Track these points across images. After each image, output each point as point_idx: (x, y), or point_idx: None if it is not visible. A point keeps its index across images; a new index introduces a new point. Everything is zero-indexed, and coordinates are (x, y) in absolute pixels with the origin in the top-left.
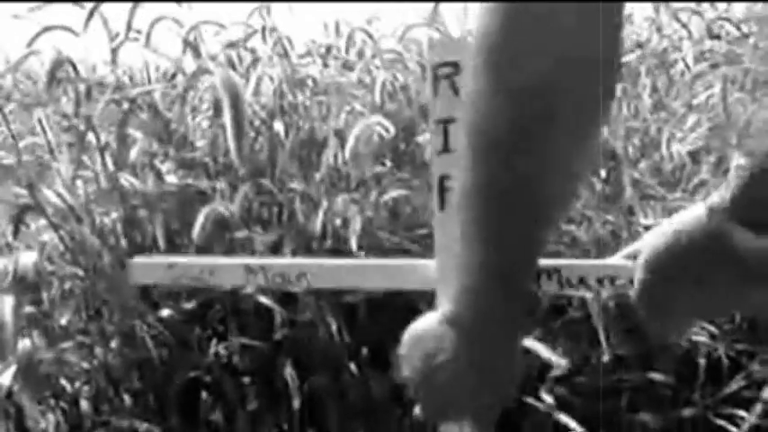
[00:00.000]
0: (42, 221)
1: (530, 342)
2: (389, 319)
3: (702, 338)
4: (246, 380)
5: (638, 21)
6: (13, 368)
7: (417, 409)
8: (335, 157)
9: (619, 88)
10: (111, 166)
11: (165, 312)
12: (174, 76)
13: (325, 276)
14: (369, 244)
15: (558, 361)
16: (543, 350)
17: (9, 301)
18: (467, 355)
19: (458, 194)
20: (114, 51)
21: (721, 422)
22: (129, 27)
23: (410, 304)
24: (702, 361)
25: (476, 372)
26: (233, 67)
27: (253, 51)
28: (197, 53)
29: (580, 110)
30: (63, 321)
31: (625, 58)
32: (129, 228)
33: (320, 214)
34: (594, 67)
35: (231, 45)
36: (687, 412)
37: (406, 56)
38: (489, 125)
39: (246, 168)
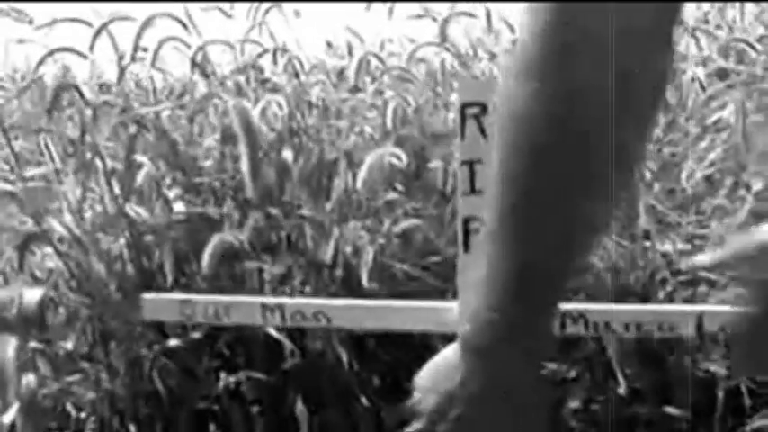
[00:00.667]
0: (48, 249)
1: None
2: (401, 349)
3: (721, 369)
4: (255, 410)
5: None
6: (15, 406)
7: None
8: (346, 183)
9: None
10: (117, 191)
11: (173, 342)
12: (181, 95)
13: (344, 316)
14: (380, 273)
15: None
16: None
17: (12, 342)
18: (484, 379)
19: (489, 196)
20: (122, 71)
21: None
22: (136, 48)
23: (422, 334)
24: (721, 393)
25: (495, 398)
26: (241, 90)
27: (261, 71)
28: (205, 74)
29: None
30: (68, 346)
31: None
32: (137, 256)
33: (331, 243)
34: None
35: (240, 71)
36: None
37: (416, 77)
38: (530, 128)
39: (256, 195)
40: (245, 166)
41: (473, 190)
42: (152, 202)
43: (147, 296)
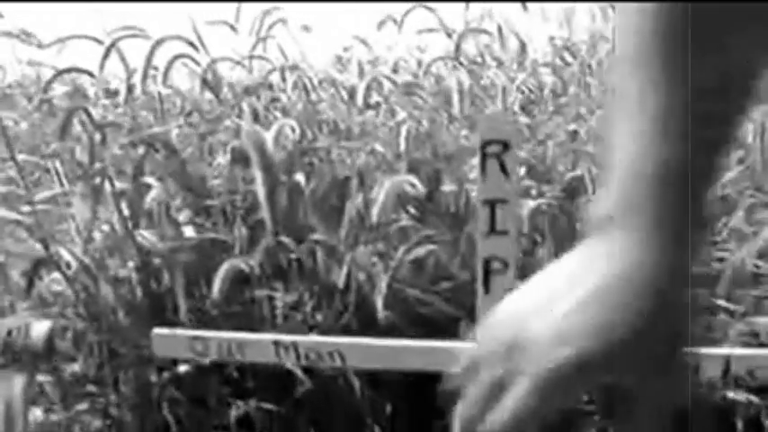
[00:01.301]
0: (56, 274)
1: None
2: (414, 375)
3: (740, 396)
4: None
5: None
6: None
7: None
8: (359, 206)
9: None
10: (126, 212)
11: (183, 368)
12: (190, 113)
13: (361, 356)
14: (393, 297)
15: None
16: None
17: (20, 378)
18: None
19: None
20: (129, 90)
21: None
22: (146, 71)
23: None
24: (740, 423)
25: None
26: (253, 112)
27: (270, 87)
28: (216, 95)
29: None
30: (76, 368)
31: None
32: (146, 280)
33: (344, 268)
34: None
35: (251, 91)
36: None
37: (429, 95)
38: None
39: (272, 222)
40: (261, 194)
41: (493, 230)
42: (162, 226)
43: (158, 331)
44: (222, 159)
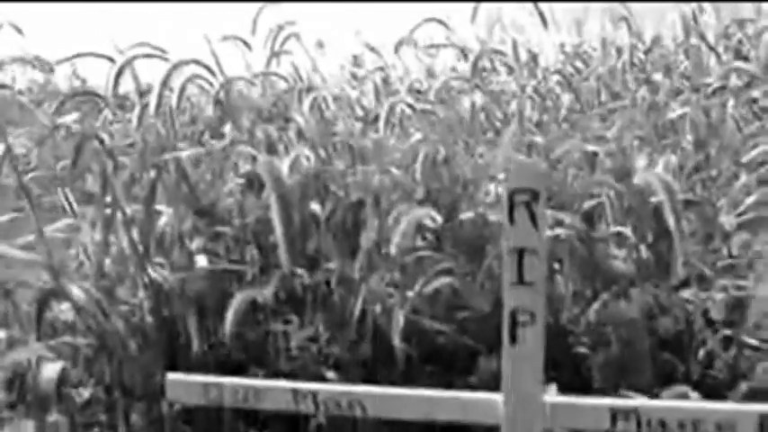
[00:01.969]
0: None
1: None
2: None
3: None
4: None
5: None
6: None
7: None
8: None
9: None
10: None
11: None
12: (201, 134)
13: (380, 406)
14: (409, 328)
15: None
16: None
17: (29, 424)
18: None
19: None
20: (142, 111)
21: None
22: (161, 97)
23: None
24: None
25: None
26: (269, 140)
27: (285, 106)
28: (229, 116)
29: None
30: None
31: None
32: (157, 310)
33: (359, 299)
34: None
35: (267, 119)
36: None
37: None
38: None
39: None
40: (276, 224)
41: (521, 281)
42: (173, 253)
43: (171, 377)
44: (234, 183)
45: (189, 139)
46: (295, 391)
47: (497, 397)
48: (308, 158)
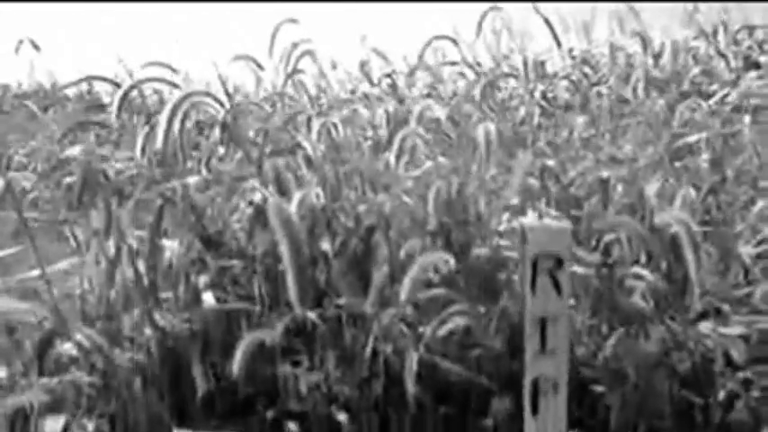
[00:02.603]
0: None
1: None
2: None
3: None
4: None
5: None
6: None
7: None
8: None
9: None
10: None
11: None
12: (209, 160)
13: None
14: (421, 367)
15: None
16: None
17: None
18: None
19: None
20: (145, 143)
21: None
22: (169, 124)
23: None
24: None
25: None
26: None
27: (296, 128)
28: (238, 145)
29: None
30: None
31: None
32: (164, 353)
33: (371, 338)
34: None
35: (277, 153)
36: None
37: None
38: None
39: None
40: (286, 263)
41: (543, 350)
42: (179, 289)
43: None
44: (241, 213)
45: (195, 162)
46: None
47: None
48: (317, 196)
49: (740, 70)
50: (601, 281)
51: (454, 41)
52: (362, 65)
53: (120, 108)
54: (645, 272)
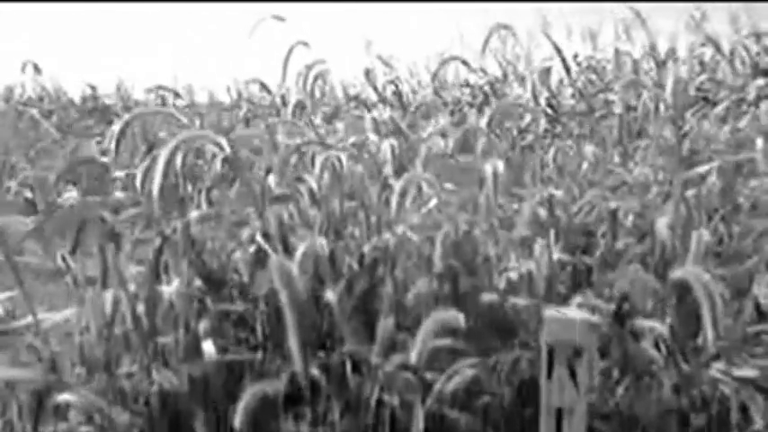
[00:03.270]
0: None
1: None
2: None
3: None
4: None
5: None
6: None
7: None
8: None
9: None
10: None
11: None
12: (210, 189)
13: None
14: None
15: None
16: None
17: None
18: None
19: None
20: (144, 180)
21: None
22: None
23: None
24: None
25: None
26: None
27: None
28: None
29: None
30: None
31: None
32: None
33: (376, 387)
34: None
35: (279, 199)
36: None
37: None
38: None
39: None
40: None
41: None
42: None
43: None
44: (242, 251)
45: (196, 193)
46: None
47: None
48: (322, 247)
49: (748, 77)
50: (611, 328)
51: (465, 63)
52: (367, 72)
53: (117, 144)
54: (657, 324)
